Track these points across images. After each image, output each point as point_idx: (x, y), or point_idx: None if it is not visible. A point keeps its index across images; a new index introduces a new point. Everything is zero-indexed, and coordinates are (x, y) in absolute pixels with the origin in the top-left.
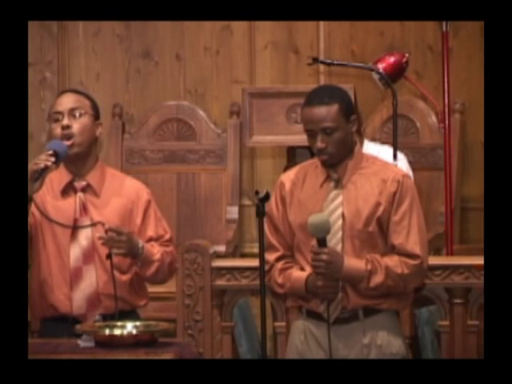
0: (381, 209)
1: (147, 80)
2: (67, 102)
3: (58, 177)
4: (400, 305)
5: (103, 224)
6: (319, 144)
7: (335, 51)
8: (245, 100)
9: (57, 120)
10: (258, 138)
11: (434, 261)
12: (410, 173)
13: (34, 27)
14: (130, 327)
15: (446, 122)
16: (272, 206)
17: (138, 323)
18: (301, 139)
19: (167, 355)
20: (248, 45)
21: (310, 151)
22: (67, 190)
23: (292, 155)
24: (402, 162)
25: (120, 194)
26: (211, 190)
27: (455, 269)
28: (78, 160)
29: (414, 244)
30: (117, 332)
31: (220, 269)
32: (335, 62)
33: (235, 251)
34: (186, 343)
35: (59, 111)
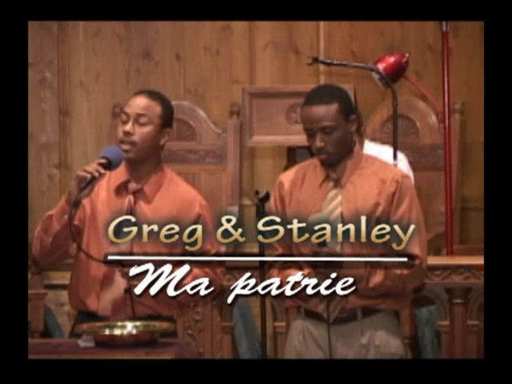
0: (380, 209)
1: (147, 80)
2: (137, 106)
3: (118, 173)
4: (399, 305)
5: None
6: (318, 143)
7: (335, 51)
8: (245, 100)
9: (123, 121)
10: (257, 138)
11: (433, 261)
12: (411, 173)
13: (34, 27)
14: (130, 327)
15: (446, 122)
16: (271, 205)
17: (137, 323)
18: (301, 139)
19: (167, 355)
20: (248, 45)
21: (310, 151)
22: (121, 190)
23: (292, 155)
24: (403, 163)
25: (172, 202)
26: (211, 189)
27: (455, 269)
28: (135, 164)
29: (414, 244)
30: (117, 332)
31: None
32: (335, 62)
33: (235, 251)
34: (186, 343)
35: (127, 113)
